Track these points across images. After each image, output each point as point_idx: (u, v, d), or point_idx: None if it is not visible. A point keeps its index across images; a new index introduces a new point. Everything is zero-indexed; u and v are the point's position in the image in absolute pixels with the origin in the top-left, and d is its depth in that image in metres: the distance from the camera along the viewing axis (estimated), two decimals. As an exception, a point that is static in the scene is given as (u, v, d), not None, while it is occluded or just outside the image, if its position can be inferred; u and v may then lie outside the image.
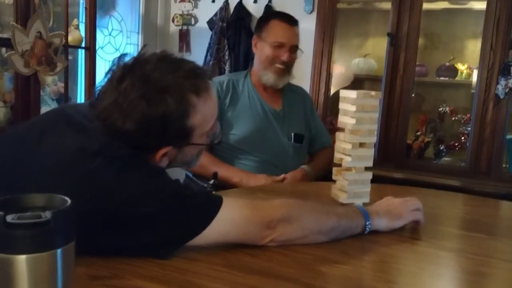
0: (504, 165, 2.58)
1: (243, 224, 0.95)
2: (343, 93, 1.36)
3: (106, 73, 0.96)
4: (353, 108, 1.31)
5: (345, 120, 1.35)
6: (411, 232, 1.17)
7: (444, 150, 2.75)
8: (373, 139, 1.35)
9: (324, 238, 1.04)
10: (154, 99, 0.89)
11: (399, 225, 1.14)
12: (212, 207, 0.92)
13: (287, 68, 1.95)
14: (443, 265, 1.01)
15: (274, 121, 1.97)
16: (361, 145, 1.35)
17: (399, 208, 1.16)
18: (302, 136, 2.01)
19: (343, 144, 1.36)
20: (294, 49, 1.93)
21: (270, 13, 2.10)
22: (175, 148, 0.98)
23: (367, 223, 1.09)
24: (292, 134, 1.99)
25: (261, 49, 1.95)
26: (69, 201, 0.55)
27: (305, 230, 1.01)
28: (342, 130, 1.38)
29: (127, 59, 0.95)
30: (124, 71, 0.92)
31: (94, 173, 0.84)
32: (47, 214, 0.52)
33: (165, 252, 0.89)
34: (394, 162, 2.66)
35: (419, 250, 1.07)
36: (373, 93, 1.33)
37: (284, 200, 1.06)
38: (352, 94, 1.31)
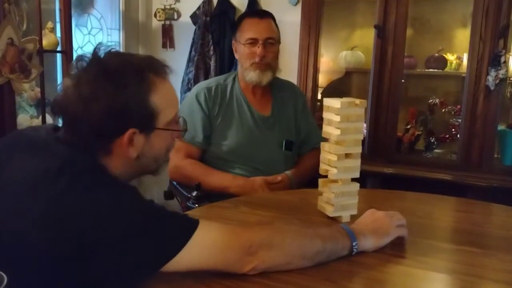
0: (496, 156, 2.55)
1: (221, 249, 0.89)
2: (327, 102, 1.30)
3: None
4: (337, 118, 1.25)
5: (330, 130, 1.29)
6: (399, 250, 1.12)
7: (435, 143, 2.71)
8: (359, 149, 1.30)
9: (309, 263, 0.99)
10: (114, 75, 0.89)
11: (385, 243, 1.10)
12: (187, 229, 0.87)
13: (268, 63, 1.86)
14: (433, 290, 0.96)
15: (264, 129, 1.91)
16: (347, 155, 1.29)
17: (385, 225, 1.11)
18: (292, 143, 1.95)
19: (328, 155, 1.31)
20: (269, 41, 1.85)
21: (242, 14, 2.04)
22: (142, 133, 0.93)
23: (354, 244, 1.04)
24: (284, 141, 1.92)
25: (239, 51, 1.89)
26: (5, 278, 0.49)
27: (288, 256, 0.96)
28: (327, 139, 1.32)
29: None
30: (81, 69, 0.91)
31: (59, 197, 0.79)
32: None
33: (136, 279, 0.83)
34: (385, 156, 2.61)
35: (407, 271, 1.02)
36: (357, 101, 1.26)
37: (265, 225, 1.01)
38: (336, 103, 1.25)
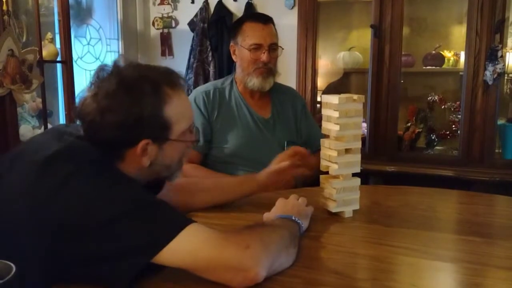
0: (497, 151, 2.56)
1: (216, 239, 0.86)
2: (325, 99, 1.31)
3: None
4: (336, 114, 1.26)
5: (329, 126, 1.30)
6: (404, 241, 1.13)
7: (436, 140, 2.72)
8: (359, 144, 1.31)
9: (294, 248, 0.99)
10: (131, 88, 0.92)
11: (308, 222, 1.20)
12: (182, 220, 0.87)
13: (270, 68, 1.88)
14: (437, 279, 0.96)
15: (265, 131, 1.91)
16: (347, 151, 1.30)
17: (303, 208, 1.20)
18: (294, 144, 1.95)
19: (328, 151, 1.31)
20: (273, 47, 1.86)
21: (241, 17, 2.03)
22: (155, 143, 0.96)
23: (300, 222, 1.11)
24: (285, 142, 1.92)
25: (240, 55, 1.89)
26: (14, 268, 0.49)
27: (277, 247, 0.93)
28: (327, 136, 1.33)
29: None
30: (101, 79, 0.94)
31: (66, 181, 0.84)
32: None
33: (129, 269, 0.82)
34: (386, 155, 2.63)
35: (412, 261, 1.02)
36: (355, 96, 1.28)
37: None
38: (334, 99, 1.26)
